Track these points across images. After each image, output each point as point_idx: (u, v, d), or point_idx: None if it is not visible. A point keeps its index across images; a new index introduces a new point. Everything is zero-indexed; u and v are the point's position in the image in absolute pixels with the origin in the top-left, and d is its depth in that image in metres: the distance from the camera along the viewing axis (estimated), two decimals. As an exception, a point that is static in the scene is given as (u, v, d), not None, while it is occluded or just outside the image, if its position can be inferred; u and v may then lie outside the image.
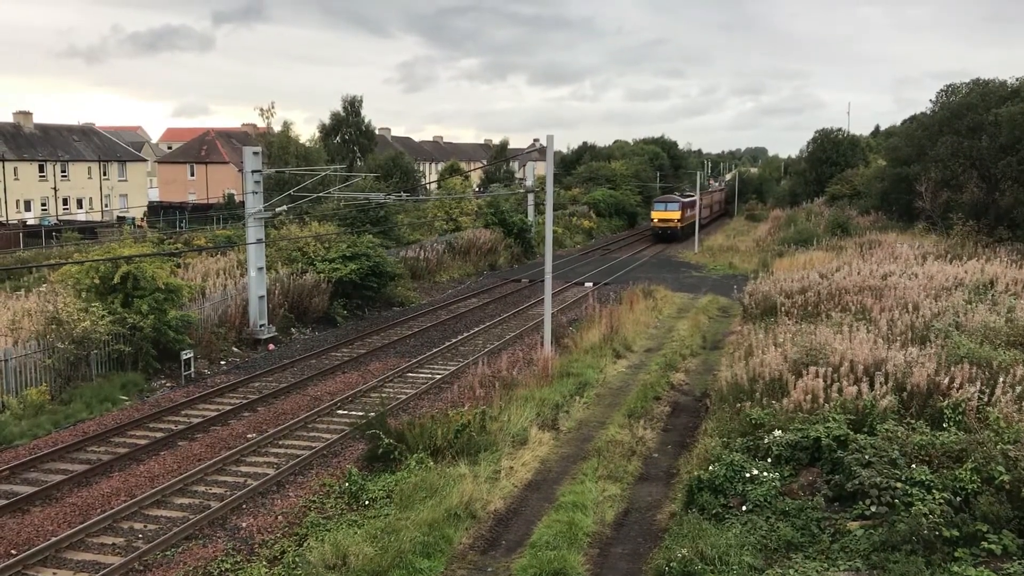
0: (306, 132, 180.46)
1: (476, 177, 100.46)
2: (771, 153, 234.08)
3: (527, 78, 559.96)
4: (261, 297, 31.46)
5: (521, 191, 67.27)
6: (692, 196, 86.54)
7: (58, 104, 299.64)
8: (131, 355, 25.63)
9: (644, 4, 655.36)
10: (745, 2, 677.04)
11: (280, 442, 20.65)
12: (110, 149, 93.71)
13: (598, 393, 24.26)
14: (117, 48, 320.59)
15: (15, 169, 79.93)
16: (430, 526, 14.86)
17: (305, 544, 14.79)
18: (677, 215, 78.08)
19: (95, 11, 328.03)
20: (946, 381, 17.49)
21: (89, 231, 62.57)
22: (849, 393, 17.34)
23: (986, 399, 16.91)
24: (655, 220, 78.60)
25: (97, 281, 25.81)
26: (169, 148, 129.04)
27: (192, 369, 26.88)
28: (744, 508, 14.51)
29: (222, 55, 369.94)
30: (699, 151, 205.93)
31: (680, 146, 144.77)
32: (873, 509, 13.63)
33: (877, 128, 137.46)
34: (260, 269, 31.40)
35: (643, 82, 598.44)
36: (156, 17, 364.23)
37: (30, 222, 72.59)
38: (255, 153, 31.74)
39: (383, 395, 23.99)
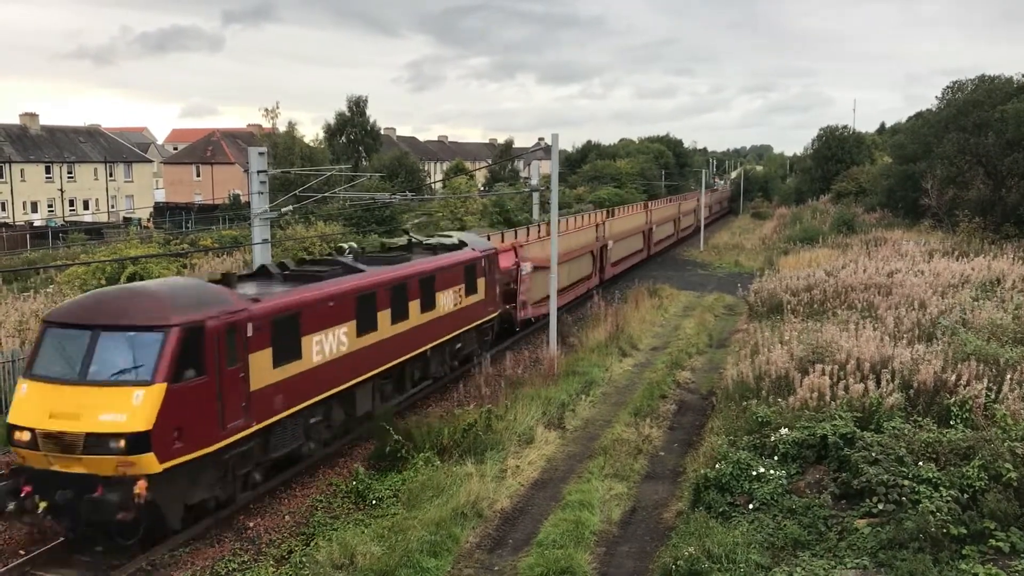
0: (313, 132, 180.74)
1: (481, 176, 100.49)
2: (776, 151, 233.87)
3: (536, 77, 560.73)
4: (267, 297, 31.08)
5: (526, 190, 67.25)
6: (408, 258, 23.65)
7: (65, 106, 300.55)
8: (138, 356, 25.64)
9: (655, 3, 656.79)
10: (757, 1, 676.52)
11: (287, 442, 20.57)
12: (116, 150, 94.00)
13: (604, 392, 24.25)
14: (126, 49, 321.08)
15: (22, 171, 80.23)
16: (437, 525, 14.87)
17: (312, 543, 14.81)
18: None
19: (103, 12, 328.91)
20: (953, 378, 17.46)
21: (95, 232, 62.76)
22: (855, 391, 17.30)
23: (993, 396, 16.88)
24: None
25: (104, 282, 25.94)
26: (175, 149, 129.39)
27: (199, 369, 26.79)
28: (751, 506, 14.50)
29: (230, 56, 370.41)
30: (704, 149, 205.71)
31: (685, 144, 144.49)
32: (880, 507, 13.62)
33: (883, 125, 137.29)
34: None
35: (652, 80, 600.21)
36: (165, 18, 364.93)
37: (37, 223, 72.86)
38: (260, 154, 31.73)
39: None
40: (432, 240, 26.07)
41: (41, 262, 46.94)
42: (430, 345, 22.47)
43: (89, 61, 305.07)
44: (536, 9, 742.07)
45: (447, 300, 23.29)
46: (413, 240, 25.83)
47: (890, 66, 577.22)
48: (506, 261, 29.62)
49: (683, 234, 72.35)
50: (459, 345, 25.01)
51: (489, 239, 30.25)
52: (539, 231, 36.51)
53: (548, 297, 32.06)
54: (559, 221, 37.24)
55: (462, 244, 25.80)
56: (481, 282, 25.83)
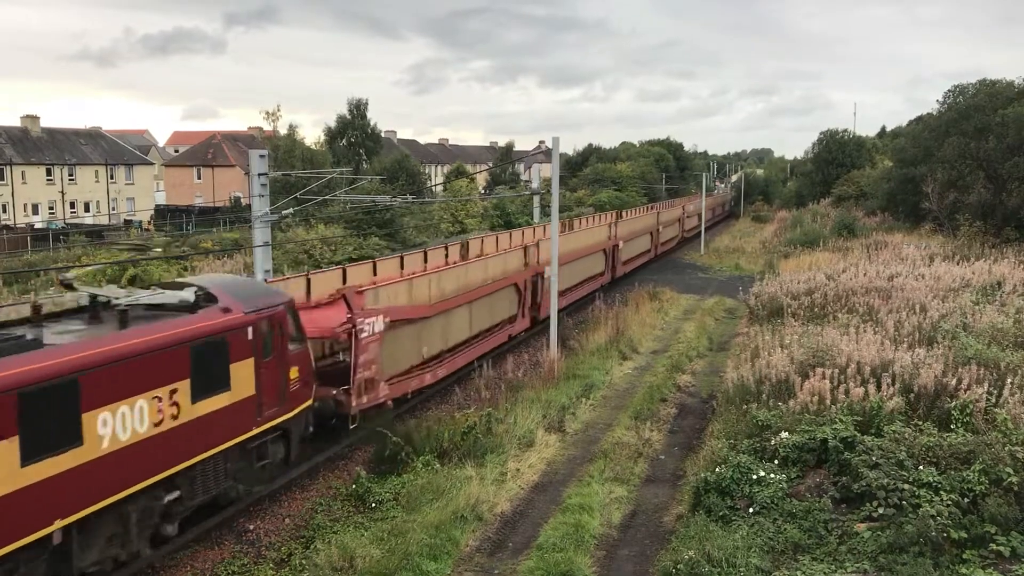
0: (314, 135, 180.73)
1: (482, 179, 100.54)
2: (777, 154, 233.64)
3: (538, 80, 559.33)
4: (267, 300, 30.85)
5: (527, 193, 67.29)
6: None
7: (67, 108, 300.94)
8: (138, 358, 25.62)
9: (659, 5, 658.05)
10: (759, 3, 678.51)
11: (287, 444, 20.51)
12: (117, 153, 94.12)
13: (604, 395, 24.24)
14: (128, 51, 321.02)
15: (23, 173, 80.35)
16: (436, 528, 14.88)
17: (312, 546, 14.82)
18: None
19: (106, 14, 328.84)
20: (953, 382, 17.45)
21: (96, 234, 62.78)
22: (856, 394, 17.30)
23: (994, 400, 16.87)
24: None
25: (104, 284, 25.92)
26: (176, 151, 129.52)
27: (199, 372, 26.73)
28: (751, 510, 14.50)
29: (233, 58, 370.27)
30: (705, 153, 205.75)
31: (686, 148, 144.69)
32: (880, 511, 13.62)
33: (883, 129, 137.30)
34: (267, 272, 31.42)
35: (654, 83, 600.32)
36: (167, 19, 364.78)
37: (38, 226, 72.90)
38: (261, 156, 31.79)
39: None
40: (131, 297, 14.19)
41: (42, 264, 46.96)
42: (62, 522, 11.44)
43: (92, 63, 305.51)
44: (538, 12, 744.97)
45: (131, 420, 12.43)
46: (99, 299, 13.83)
47: (893, 69, 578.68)
48: (327, 319, 19.16)
49: (664, 248, 61.59)
50: (176, 495, 13.78)
51: (307, 280, 20.63)
52: (380, 267, 24.39)
53: (419, 365, 23.34)
54: (443, 246, 28.49)
55: (203, 301, 14.62)
56: (244, 367, 14.85)
